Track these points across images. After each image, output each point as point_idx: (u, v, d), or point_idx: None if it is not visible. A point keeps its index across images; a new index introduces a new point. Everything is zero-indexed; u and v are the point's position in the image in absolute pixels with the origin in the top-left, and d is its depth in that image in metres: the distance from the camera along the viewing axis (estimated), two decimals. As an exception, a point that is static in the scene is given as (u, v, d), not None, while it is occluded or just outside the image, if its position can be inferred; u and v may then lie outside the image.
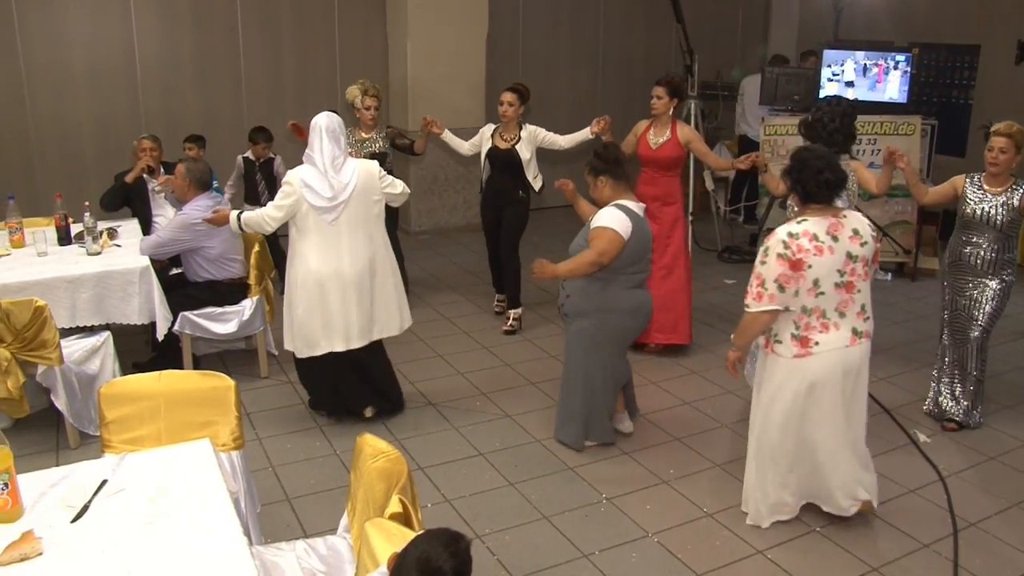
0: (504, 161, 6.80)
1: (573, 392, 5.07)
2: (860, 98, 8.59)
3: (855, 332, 4.09)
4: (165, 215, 6.55)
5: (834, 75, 8.76)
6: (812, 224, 3.99)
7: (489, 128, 6.91)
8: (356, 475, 3.09)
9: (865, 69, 8.73)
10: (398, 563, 2.30)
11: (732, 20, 12.22)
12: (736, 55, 12.05)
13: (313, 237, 5.01)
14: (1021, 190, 5.11)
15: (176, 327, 5.67)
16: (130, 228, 6.32)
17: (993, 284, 5.27)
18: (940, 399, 5.58)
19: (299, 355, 5.25)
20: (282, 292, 6.11)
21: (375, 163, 5.18)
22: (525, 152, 6.74)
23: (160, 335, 5.57)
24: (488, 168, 6.93)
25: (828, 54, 8.87)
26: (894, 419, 5.56)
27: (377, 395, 5.50)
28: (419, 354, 6.56)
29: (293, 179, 4.97)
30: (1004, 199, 5.12)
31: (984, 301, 5.30)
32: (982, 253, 5.23)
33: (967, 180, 5.29)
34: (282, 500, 4.56)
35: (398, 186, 5.26)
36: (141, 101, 8.88)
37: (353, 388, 5.41)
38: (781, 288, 3.95)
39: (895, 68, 8.61)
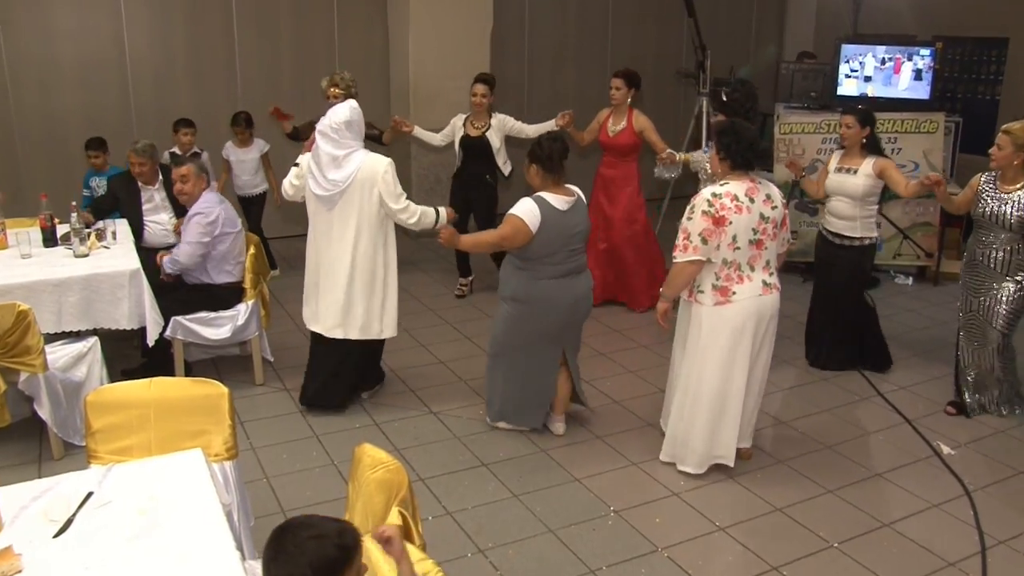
0: (476, 148, 7.46)
1: (490, 372, 5.44)
2: (879, 95, 8.59)
3: (765, 283, 4.71)
4: (159, 220, 6.54)
5: (852, 71, 8.73)
6: (733, 186, 4.64)
7: (460, 118, 7.53)
8: (354, 486, 3.08)
9: (884, 63, 8.70)
10: None
11: (746, 14, 12.20)
12: (751, 50, 12.06)
13: (313, 220, 5.46)
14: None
15: (167, 332, 5.66)
16: (119, 229, 6.21)
17: (1009, 286, 5.37)
18: (959, 398, 5.77)
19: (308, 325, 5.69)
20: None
21: (385, 161, 5.28)
22: (495, 139, 7.40)
23: (150, 340, 5.53)
24: (461, 155, 7.59)
25: (847, 49, 8.83)
26: (916, 430, 5.53)
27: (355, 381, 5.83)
28: (419, 359, 6.56)
29: (303, 162, 5.47)
30: (1017, 198, 5.23)
31: (1000, 303, 5.41)
32: (995, 254, 5.37)
33: (983, 178, 5.44)
34: (277, 513, 4.54)
35: (403, 201, 5.31)
36: (132, 96, 8.85)
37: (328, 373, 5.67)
38: (704, 241, 4.58)
39: (910, 61, 8.56)
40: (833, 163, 6.13)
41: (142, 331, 5.56)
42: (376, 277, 5.41)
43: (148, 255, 5.98)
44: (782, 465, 5.13)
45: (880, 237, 8.19)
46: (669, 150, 6.97)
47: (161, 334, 5.59)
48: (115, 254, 5.74)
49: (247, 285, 5.97)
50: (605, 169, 7.45)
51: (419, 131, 7.64)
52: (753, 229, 4.60)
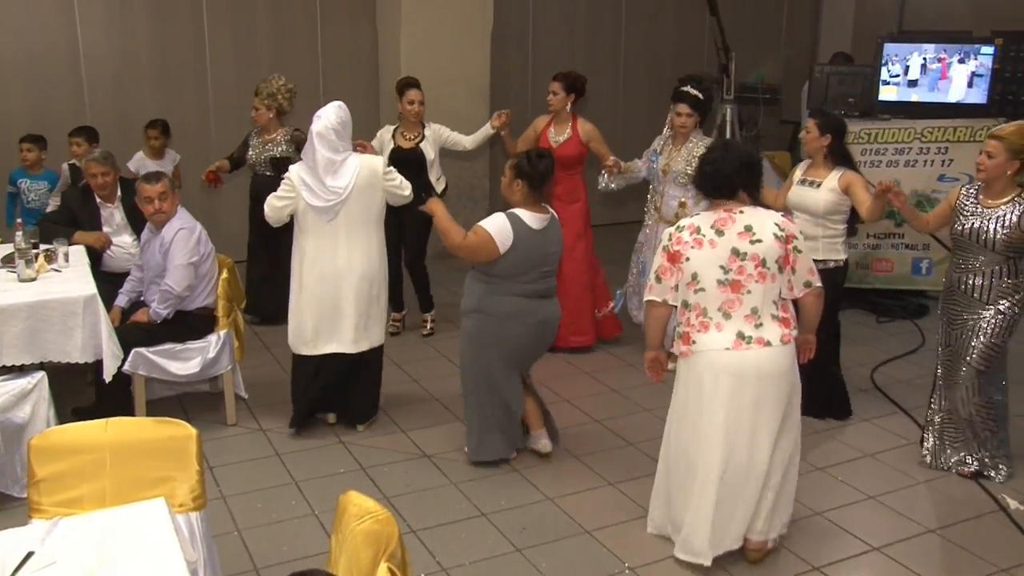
0: (408, 162, 7.18)
1: (465, 398, 5.59)
2: (925, 99, 8.53)
3: (741, 336, 4.25)
4: (122, 243, 6.55)
5: (892, 76, 8.63)
6: (701, 218, 4.40)
7: (388, 129, 7.53)
8: (338, 539, 3.03)
9: (930, 63, 8.60)
10: None
11: (776, 12, 12.27)
12: (780, 52, 12.08)
13: (311, 236, 5.63)
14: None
15: (127, 366, 5.61)
16: (73, 250, 6.15)
17: (987, 314, 5.18)
18: (938, 450, 5.56)
19: (294, 351, 5.84)
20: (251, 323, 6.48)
21: (380, 159, 5.82)
22: (430, 151, 7.40)
23: (107, 375, 5.44)
24: None
25: (889, 48, 8.75)
26: (979, 483, 5.42)
27: (346, 404, 6.03)
28: (411, 395, 6.53)
29: (293, 176, 5.58)
30: (1001, 214, 5.06)
31: (976, 335, 5.22)
32: (975, 279, 5.18)
33: (962, 191, 5.30)
34: (249, 571, 4.50)
35: (406, 188, 5.82)
36: (87, 97, 8.90)
37: (332, 392, 5.92)
38: (658, 279, 4.43)
39: (963, 63, 8.48)
40: (797, 173, 6.07)
41: (97, 365, 5.47)
42: (381, 283, 5.87)
43: (107, 281, 5.97)
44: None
45: (931, 260, 8.08)
46: (614, 157, 7.04)
47: (120, 368, 5.52)
48: (67, 278, 5.68)
49: (219, 313, 5.96)
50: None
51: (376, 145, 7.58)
52: (722, 267, 4.25)
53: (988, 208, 5.09)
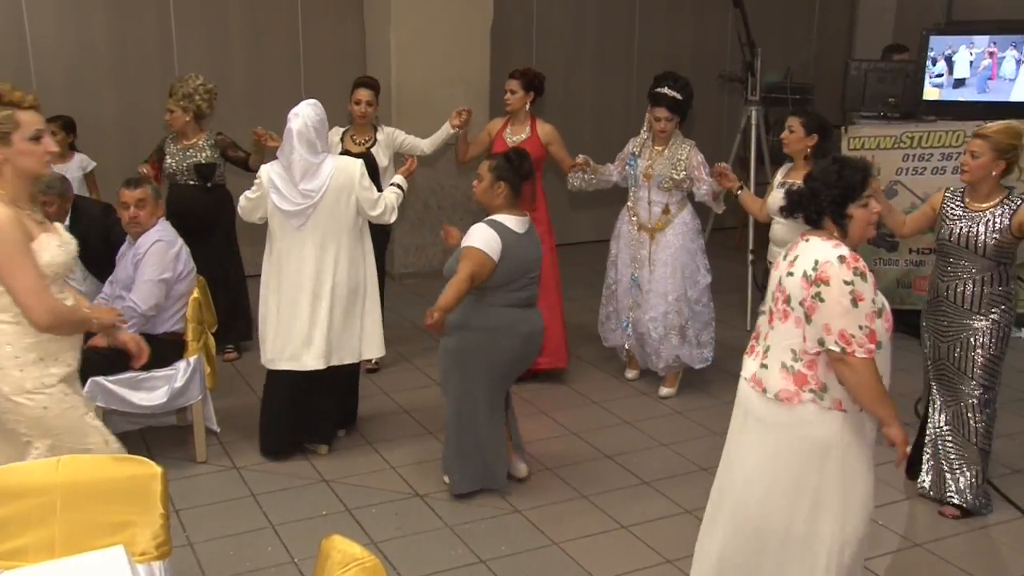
0: None
1: (449, 424, 5.64)
2: (974, 99, 8.45)
3: (751, 370, 4.17)
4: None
5: (937, 76, 8.54)
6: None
7: (337, 132, 7.39)
8: (319, 591, 3.00)
9: (982, 58, 8.47)
10: None
11: (807, 1, 12.27)
12: (812, 48, 12.06)
13: (278, 240, 5.82)
14: (1012, 206, 5.16)
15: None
16: None
17: (980, 325, 5.28)
18: (936, 476, 5.56)
19: (265, 366, 5.99)
20: (223, 351, 6.49)
21: (358, 163, 5.87)
22: (382, 157, 7.36)
23: None
24: None
25: (936, 42, 8.63)
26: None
27: (329, 424, 6.16)
28: (401, 428, 6.52)
29: (263, 174, 5.77)
30: (989, 217, 5.18)
31: (974, 348, 5.31)
32: (963, 287, 5.28)
33: (946, 195, 5.44)
34: (220, 626, 4.50)
35: (380, 206, 5.89)
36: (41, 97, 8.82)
37: (308, 416, 6.03)
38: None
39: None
40: (778, 177, 6.25)
41: (50, 395, 5.47)
42: (358, 294, 5.96)
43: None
44: None
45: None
46: (583, 156, 7.08)
47: None
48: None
49: (188, 337, 5.91)
50: None
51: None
52: (772, 293, 4.15)
53: (975, 212, 5.23)
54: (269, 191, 5.71)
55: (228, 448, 6.18)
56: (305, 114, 5.63)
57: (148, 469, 3.56)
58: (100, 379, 5.60)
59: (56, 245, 3.96)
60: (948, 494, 5.48)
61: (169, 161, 7.38)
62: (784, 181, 6.15)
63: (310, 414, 6.05)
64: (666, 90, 6.73)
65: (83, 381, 5.45)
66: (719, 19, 11.42)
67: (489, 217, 5.38)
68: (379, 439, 6.30)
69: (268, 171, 5.75)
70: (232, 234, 7.60)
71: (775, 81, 9.89)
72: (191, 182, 7.32)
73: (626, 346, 7.29)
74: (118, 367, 5.62)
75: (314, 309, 5.78)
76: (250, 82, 9.55)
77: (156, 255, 5.74)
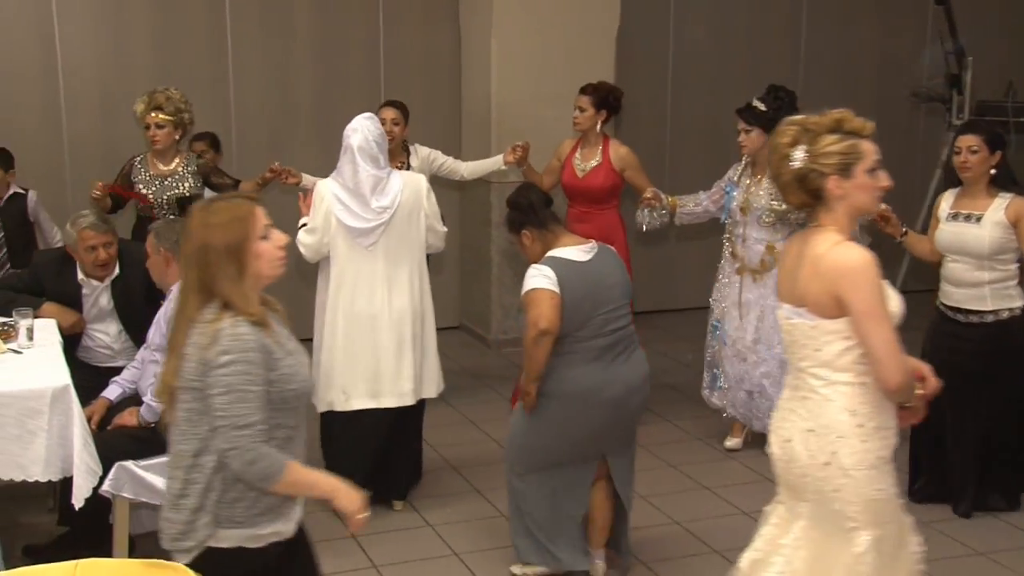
0: None
1: (512, 499, 5.71)
2: None
3: None
4: (105, 333, 6.51)
5: None
6: None
7: None
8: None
9: None
10: None
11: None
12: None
13: (344, 264, 6.05)
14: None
15: (107, 485, 5.30)
16: (41, 325, 5.99)
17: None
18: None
19: (319, 409, 6.13)
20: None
21: (423, 178, 6.32)
22: None
23: (78, 500, 5.15)
24: None
25: None
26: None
27: (405, 473, 6.53)
28: (439, 478, 6.92)
29: (323, 189, 6.00)
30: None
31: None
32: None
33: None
34: None
35: (442, 231, 6.43)
36: (64, 120, 8.96)
37: (384, 464, 6.30)
38: None
39: None
40: (943, 207, 6.28)
41: (64, 485, 5.26)
42: (427, 321, 6.33)
43: (84, 374, 5.87)
44: None
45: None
46: (654, 188, 7.24)
47: (95, 489, 5.21)
48: (33, 362, 5.53)
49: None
50: (576, 224, 7.26)
51: (307, 179, 7.52)
52: None
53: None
54: (334, 207, 5.91)
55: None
56: (364, 127, 5.99)
57: (181, 574, 3.32)
58: (128, 464, 5.36)
59: None
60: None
61: (144, 192, 7.24)
62: (957, 211, 6.14)
63: (389, 461, 6.25)
64: (755, 102, 6.80)
65: (106, 467, 5.44)
66: (912, 20, 10.87)
67: (548, 254, 5.38)
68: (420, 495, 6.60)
69: (329, 186, 5.97)
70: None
71: (992, 100, 9.74)
72: (171, 216, 7.04)
73: (726, 410, 7.23)
74: (150, 450, 5.51)
75: (399, 336, 6.10)
76: (318, 95, 9.53)
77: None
